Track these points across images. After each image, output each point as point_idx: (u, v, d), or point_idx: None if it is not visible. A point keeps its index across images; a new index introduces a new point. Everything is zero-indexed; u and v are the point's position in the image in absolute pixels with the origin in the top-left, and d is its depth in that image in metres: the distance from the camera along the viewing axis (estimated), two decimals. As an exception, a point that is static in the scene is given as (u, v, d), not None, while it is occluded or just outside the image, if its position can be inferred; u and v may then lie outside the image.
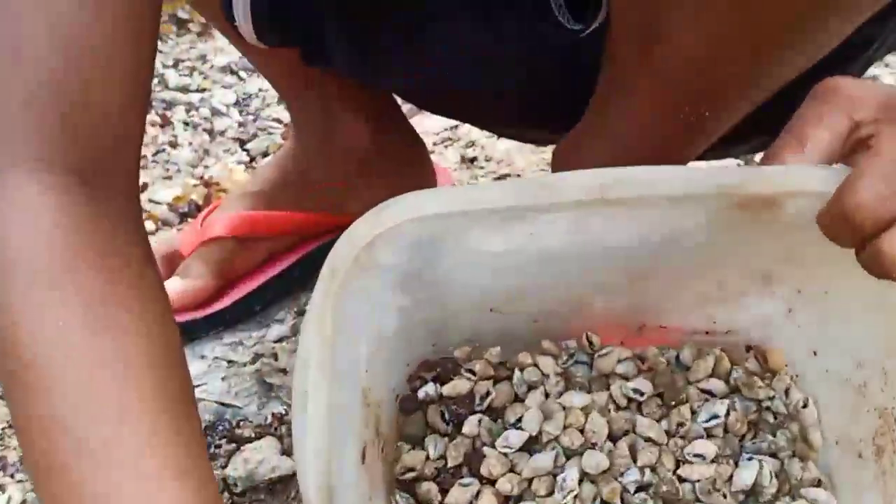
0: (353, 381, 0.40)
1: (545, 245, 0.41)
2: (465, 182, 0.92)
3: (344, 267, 0.37)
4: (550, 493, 0.44)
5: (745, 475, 0.44)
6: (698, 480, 0.44)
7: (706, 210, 0.38)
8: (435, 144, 1.02)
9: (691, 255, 0.42)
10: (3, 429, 0.62)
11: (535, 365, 0.48)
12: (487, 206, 0.38)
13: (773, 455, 0.46)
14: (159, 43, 1.43)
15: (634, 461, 0.45)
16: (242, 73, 1.33)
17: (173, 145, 1.10)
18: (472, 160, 0.96)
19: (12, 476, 0.58)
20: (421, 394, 0.47)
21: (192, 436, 0.39)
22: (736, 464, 0.45)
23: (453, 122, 1.01)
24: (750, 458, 0.45)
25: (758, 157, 0.73)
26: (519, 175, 0.91)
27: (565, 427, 0.45)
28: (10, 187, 0.39)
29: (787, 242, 0.40)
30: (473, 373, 0.48)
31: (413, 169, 0.82)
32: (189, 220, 0.91)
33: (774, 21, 0.42)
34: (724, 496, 0.44)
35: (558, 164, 0.61)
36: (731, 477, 0.44)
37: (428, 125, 0.98)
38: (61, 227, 0.39)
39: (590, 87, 0.56)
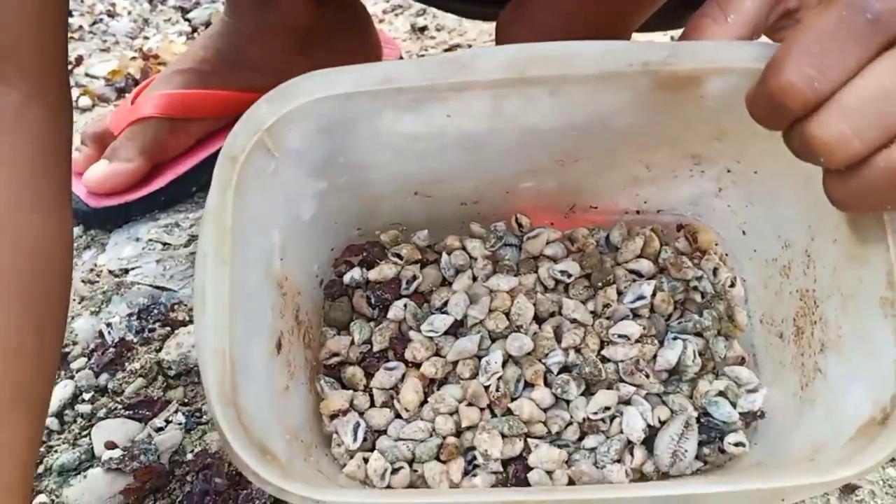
0: (264, 271, 0.39)
1: (464, 127, 0.39)
2: (414, 53, 0.89)
3: (244, 153, 0.35)
4: (475, 376, 0.44)
5: (669, 355, 0.44)
6: (622, 361, 0.44)
7: (630, 89, 0.37)
8: (385, 13, 0.98)
9: (619, 136, 0.40)
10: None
11: (463, 248, 0.48)
12: (399, 84, 0.36)
13: (699, 334, 0.46)
14: None
15: (559, 342, 0.45)
16: (184, -65, 1.26)
17: (111, 14, 1.05)
18: (423, 29, 0.92)
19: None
20: (346, 279, 0.47)
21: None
22: (661, 343, 0.46)
23: (404, -11, 0.97)
24: (675, 338, 0.45)
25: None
26: (469, 45, 0.88)
27: (491, 311, 0.45)
28: None
29: (715, 121, 0.39)
30: (400, 257, 0.47)
31: (356, 41, 0.79)
32: (126, 94, 0.87)
33: None
34: (647, 375, 0.44)
35: (501, 33, 0.59)
36: (655, 357, 0.45)
37: None
38: None
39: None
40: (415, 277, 0.47)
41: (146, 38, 1.00)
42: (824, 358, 0.38)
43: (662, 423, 0.44)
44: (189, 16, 1.04)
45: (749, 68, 0.33)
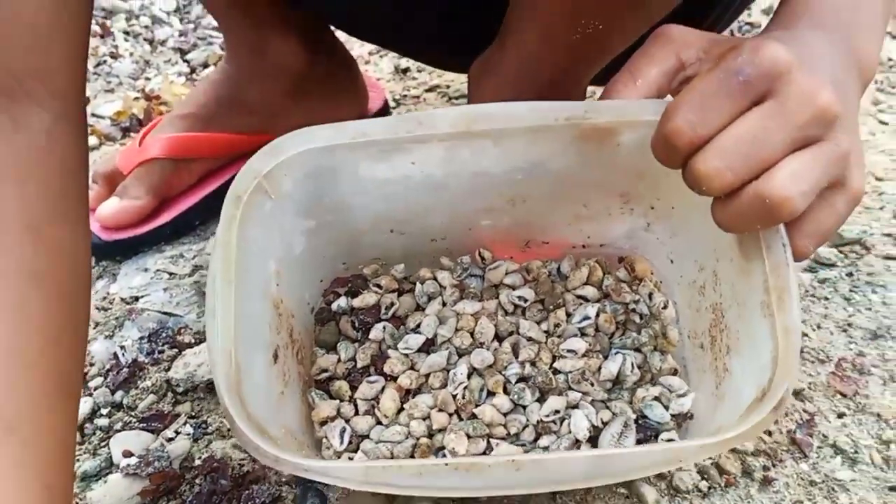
0: (262, 293, 0.46)
1: (427, 172, 0.47)
2: (398, 93, 0.96)
3: (244, 194, 0.43)
4: (444, 386, 0.51)
5: (611, 367, 0.52)
6: (570, 372, 0.52)
7: (558, 139, 0.44)
8: (370, 55, 1.06)
9: (556, 179, 0.48)
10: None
11: (434, 279, 0.55)
12: (370, 138, 0.44)
13: (637, 349, 0.53)
14: (96, -55, 1.41)
15: (516, 357, 0.52)
16: (181, -22, 1.33)
17: (114, 56, 1.12)
18: (405, 71, 0.99)
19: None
20: (334, 306, 0.54)
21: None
22: (605, 357, 0.53)
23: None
24: (616, 353, 0.53)
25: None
26: (448, 86, 0.95)
27: (457, 330, 0.52)
28: None
29: (635, 165, 0.46)
30: (380, 287, 0.54)
31: (344, 87, 0.86)
32: (131, 134, 0.94)
33: None
34: (592, 384, 0.51)
35: (473, 83, 0.66)
36: (599, 368, 0.52)
37: None
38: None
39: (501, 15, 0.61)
40: (392, 304, 0.54)
41: (147, 78, 1.07)
42: (730, 359, 0.46)
43: (605, 423, 0.51)
44: (187, 57, 1.11)
45: (653, 120, 0.41)
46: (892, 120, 0.91)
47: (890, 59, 1.02)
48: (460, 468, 0.38)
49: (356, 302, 0.54)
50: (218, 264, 0.41)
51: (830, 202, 0.40)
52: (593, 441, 0.50)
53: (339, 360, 0.53)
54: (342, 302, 0.54)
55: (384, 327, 0.53)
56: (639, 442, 0.50)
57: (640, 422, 0.51)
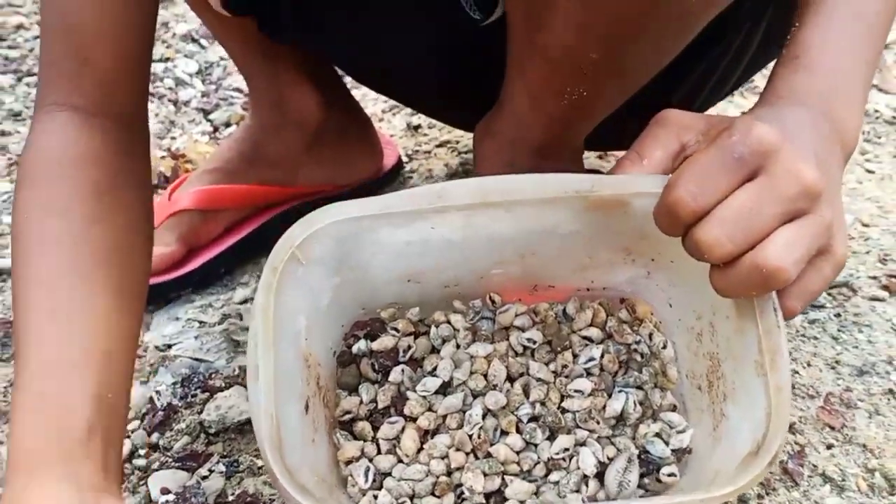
0: (295, 349, 0.50)
1: (445, 235, 0.50)
2: (410, 148, 1.00)
3: (280, 265, 0.46)
4: (460, 426, 0.54)
5: (616, 405, 0.55)
6: (578, 411, 0.54)
7: (568, 208, 0.48)
8: (384, 112, 1.10)
9: (565, 239, 0.51)
10: (5, 387, 0.71)
11: (448, 322, 0.58)
12: (394, 210, 0.47)
13: (639, 387, 0.56)
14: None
15: (527, 397, 0.55)
16: (203, 42, 1.39)
17: (141, 117, 1.17)
18: (417, 127, 1.03)
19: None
20: (354, 349, 0.57)
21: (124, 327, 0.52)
22: (609, 396, 0.56)
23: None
24: (620, 391, 0.55)
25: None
26: (458, 141, 0.99)
27: (472, 373, 0.55)
28: (45, 120, 0.55)
29: (638, 227, 0.49)
30: (397, 330, 0.57)
31: (359, 143, 0.90)
32: (159, 190, 0.98)
33: (624, 16, 0.50)
34: (598, 422, 0.54)
35: (477, 141, 0.70)
36: (604, 407, 0.55)
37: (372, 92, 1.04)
38: (74, 151, 0.54)
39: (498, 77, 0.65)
40: (410, 347, 0.57)
41: (173, 137, 1.12)
42: (726, 405, 0.49)
43: (610, 459, 0.53)
44: (210, 117, 1.16)
45: (655, 192, 0.44)
46: (878, 169, 0.95)
47: (876, 111, 1.06)
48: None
49: (375, 345, 0.57)
50: (259, 331, 0.44)
51: (818, 268, 0.43)
52: (599, 476, 0.53)
53: (361, 402, 0.56)
54: (362, 345, 0.57)
55: (402, 370, 0.56)
56: (641, 476, 0.53)
57: (642, 457, 0.54)
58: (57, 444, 0.44)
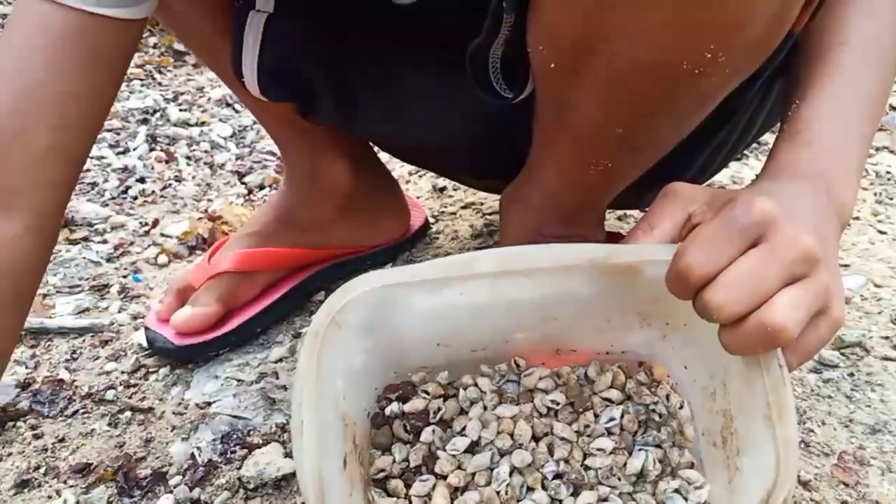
0: (334, 408, 0.53)
1: (471, 300, 0.54)
2: (436, 209, 1.04)
3: (322, 329, 0.50)
4: (488, 484, 0.56)
5: (636, 462, 0.57)
6: (600, 468, 0.57)
7: (586, 274, 0.51)
8: (410, 175, 1.14)
9: (583, 304, 0.54)
10: (53, 443, 0.74)
11: (476, 385, 0.61)
12: (424, 278, 0.51)
13: (658, 446, 0.58)
14: (159, 76, 1.54)
15: (552, 455, 0.57)
16: (238, 106, 1.44)
17: (178, 180, 1.22)
18: (442, 189, 1.07)
19: (65, 482, 0.71)
20: (387, 411, 0.60)
21: None
22: (629, 453, 0.58)
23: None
24: (640, 449, 0.58)
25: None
26: (482, 203, 1.03)
27: (499, 433, 0.58)
28: None
29: (652, 291, 0.52)
30: (428, 393, 0.60)
31: (387, 205, 0.94)
32: (197, 251, 1.03)
33: (647, 96, 0.54)
34: (619, 479, 0.56)
35: (504, 207, 0.74)
36: (625, 464, 0.57)
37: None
38: None
39: (524, 150, 0.69)
40: (439, 409, 0.60)
41: (209, 200, 1.16)
42: (739, 459, 0.51)
43: (632, 515, 0.56)
44: (245, 179, 1.20)
45: (667, 260, 0.47)
46: (890, 230, 0.97)
47: (888, 173, 1.09)
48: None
49: (407, 407, 0.60)
50: (303, 391, 0.48)
51: (816, 328, 0.46)
52: (622, 531, 0.55)
53: (394, 461, 0.58)
54: (394, 407, 0.60)
55: (433, 430, 0.59)
56: (662, 530, 0.55)
57: (662, 512, 0.56)
58: None
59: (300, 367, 0.49)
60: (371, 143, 0.92)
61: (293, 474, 0.68)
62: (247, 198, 1.15)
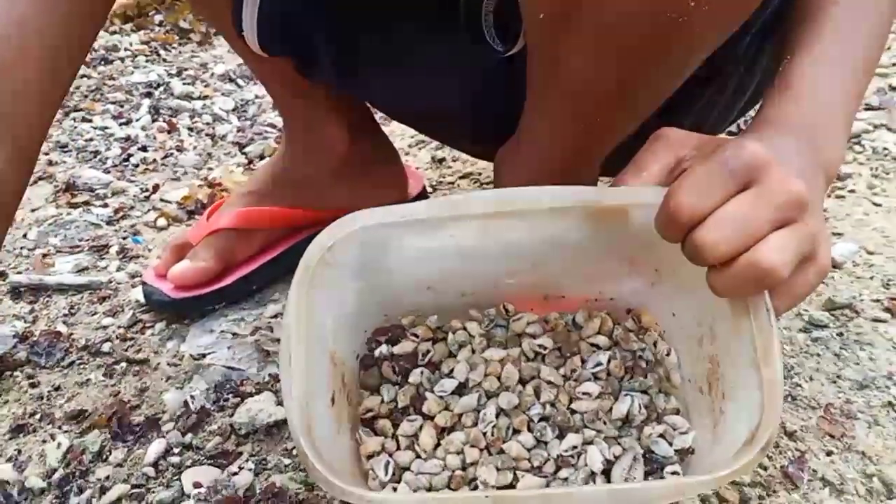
0: (323, 347, 0.53)
1: (462, 243, 0.54)
2: (435, 179, 1.04)
3: (312, 264, 0.50)
4: (475, 425, 0.57)
5: (622, 407, 0.57)
6: (585, 412, 0.57)
7: (575, 217, 0.51)
8: (409, 147, 1.14)
9: (573, 250, 0.54)
10: (48, 392, 0.75)
11: (464, 328, 0.61)
12: (414, 217, 0.51)
13: (644, 392, 0.58)
14: (164, 52, 1.54)
15: (538, 398, 0.57)
16: (240, 81, 1.45)
17: (179, 149, 1.22)
18: (441, 161, 1.08)
19: (59, 427, 0.71)
20: (376, 353, 0.60)
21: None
22: (615, 399, 0.58)
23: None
24: (626, 395, 0.58)
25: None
26: (480, 173, 1.03)
27: (486, 375, 0.58)
28: None
29: (641, 237, 0.52)
30: (417, 336, 0.60)
31: (386, 172, 0.94)
32: (196, 217, 1.03)
33: (636, 47, 0.54)
34: (605, 423, 0.56)
35: (497, 168, 0.74)
36: (611, 409, 0.57)
37: (405, 127, 1.08)
38: None
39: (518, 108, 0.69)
40: (428, 351, 0.60)
41: (210, 168, 1.17)
42: (725, 404, 0.51)
43: (616, 458, 0.56)
44: (245, 150, 1.20)
45: (655, 203, 0.47)
46: (885, 202, 0.97)
47: (885, 149, 1.09)
48: (500, 501, 0.43)
49: (396, 349, 0.60)
50: (291, 324, 0.48)
51: (805, 271, 0.46)
52: (606, 474, 0.55)
53: (382, 401, 0.58)
54: (384, 349, 0.60)
55: (421, 372, 0.59)
56: (646, 474, 0.55)
57: (647, 456, 0.56)
58: None
59: (290, 299, 0.49)
60: (371, 109, 0.93)
61: (285, 421, 0.68)
62: (247, 167, 1.15)
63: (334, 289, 0.53)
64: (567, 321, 0.61)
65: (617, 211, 0.50)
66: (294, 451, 0.65)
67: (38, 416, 0.72)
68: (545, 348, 0.59)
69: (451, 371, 0.59)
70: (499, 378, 0.58)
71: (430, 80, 0.73)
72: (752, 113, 1.17)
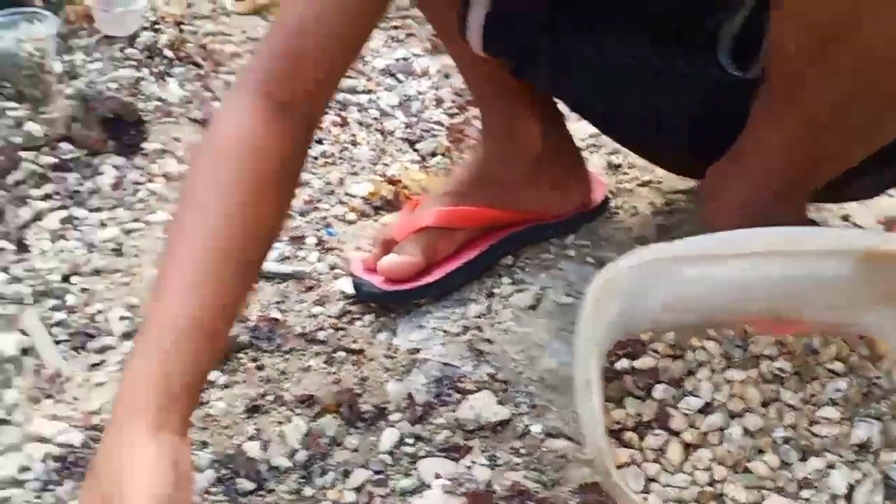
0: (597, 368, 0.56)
1: (730, 275, 0.56)
2: (612, 186, 1.04)
3: (597, 296, 0.53)
4: (720, 443, 0.59)
5: (860, 433, 0.58)
6: (826, 436, 0.58)
7: (847, 257, 0.53)
8: (582, 151, 1.15)
9: (833, 286, 0.56)
10: (275, 376, 0.79)
11: (703, 347, 0.63)
12: (689, 254, 0.53)
13: (878, 418, 0.60)
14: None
15: (780, 421, 0.59)
16: (400, 76, 1.47)
17: (354, 143, 1.25)
18: (617, 167, 1.08)
19: (293, 410, 0.75)
20: (617, 366, 0.63)
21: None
22: (852, 425, 0.59)
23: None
24: (863, 421, 0.59)
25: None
26: (660, 182, 1.03)
27: (731, 396, 0.60)
28: (241, 96, 0.65)
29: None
30: (657, 352, 0.63)
31: (573, 174, 0.96)
32: (381, 212, 1.06)
33: (887, 89, 0.55)
34: (844, 448, 0.58)
35: (710, 182, 0.75)
36: (848, 434, 0.59)
37: (574, 129, 1.08)
38: (255, 140, 0.61)
39: (733, 128, 0.70)
40: (668, 368, 0.62)
41: (385, 164, 1.20)
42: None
43: (857, 482, 0.57)
44: (416, 147, 1.23)
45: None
46: None
47: None
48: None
49: (637, 363, 0.63)
50: (583, 350, 0.52)
51: None
52: (847, 497, 0.57)
53: (627, 415, 0.61)
54: (624, 363, 0.63)
55: (665, 388, 0.61)
56: (885, 499, 0.57)
57: (885, 482, 0.57)
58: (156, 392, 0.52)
59: (585, 307, 0.52)
60: (564, 116, 0.94)
61: (509, 421, 0.71)
62: (421, 164, 1.18)
63: (604, 317, 0.56)
64: (805, 345, 0.62)
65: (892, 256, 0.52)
66: (522, 450, 0.69)
67: (270, 398, 0.77)
68: (785, 372, 0.61)
69: (694, 389, 0.61)
70: (742, 399, 0.60)
71: (657, 92, 0.74)
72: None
